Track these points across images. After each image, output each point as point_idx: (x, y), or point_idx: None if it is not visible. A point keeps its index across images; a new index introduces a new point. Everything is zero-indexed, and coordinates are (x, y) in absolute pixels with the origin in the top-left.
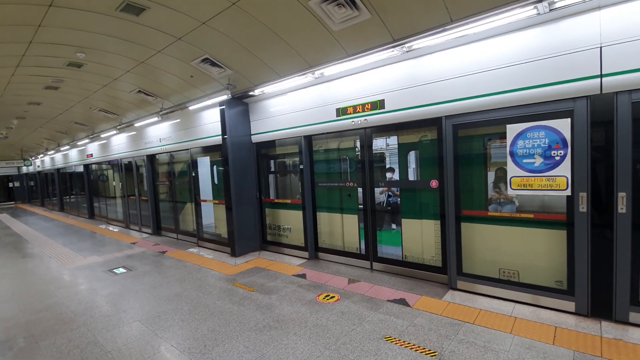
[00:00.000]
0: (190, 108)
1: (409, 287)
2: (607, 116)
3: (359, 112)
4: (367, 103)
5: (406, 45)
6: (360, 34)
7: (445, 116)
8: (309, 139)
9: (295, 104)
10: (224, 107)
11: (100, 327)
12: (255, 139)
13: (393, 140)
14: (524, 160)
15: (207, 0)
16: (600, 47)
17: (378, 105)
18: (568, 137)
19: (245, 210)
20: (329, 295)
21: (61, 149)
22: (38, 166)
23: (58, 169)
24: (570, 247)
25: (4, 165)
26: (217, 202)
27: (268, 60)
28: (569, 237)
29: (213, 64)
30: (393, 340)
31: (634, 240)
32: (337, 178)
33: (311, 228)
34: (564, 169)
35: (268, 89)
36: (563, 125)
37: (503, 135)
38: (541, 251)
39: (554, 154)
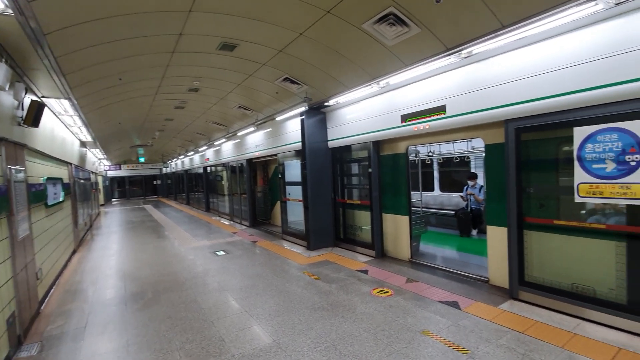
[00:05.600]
0: (277, 119)
1: (467, 292)
2: None
3: (421, 118)
4: (429, 109)
5: (464, 51)
6: (414, 46)
7: (507, 120)
8: (377, 144)
9: (365, 111)
10: (303, 117)
11: (200, 291)
12: (330, 144)
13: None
14: (594, 166)
15: (279, 34)
16: None
17: (439, 111)
18: None
19: (320, 210)
20: (383, 290)
21: (188, 154)
22: (173, 168)
23: (186, 170)
24: None
25: (151, 167)
26: (298, 200)
27: (336, 75)
28: None
29: (292, 81)
30: (430, 334)
31: None
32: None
33: (378, 229)
34: None
35: (341, 99)
36: (639, 127)
37: (570, 139)
38: (615, 266)
39: (629, 158)
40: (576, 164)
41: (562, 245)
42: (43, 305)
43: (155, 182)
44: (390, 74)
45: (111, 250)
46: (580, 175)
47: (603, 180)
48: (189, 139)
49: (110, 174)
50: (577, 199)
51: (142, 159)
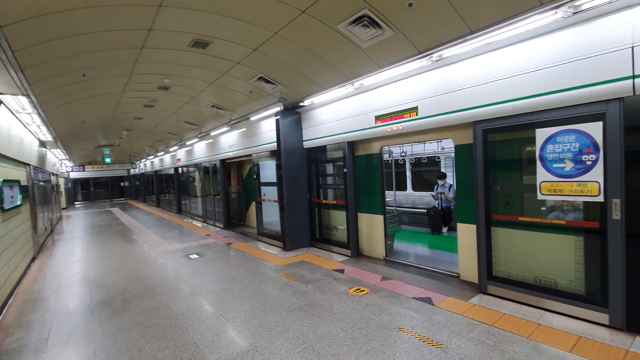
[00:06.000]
0: (252, 119)
1: (439, 288)
2: None
3: (395, 119)
4: (402, 110)
5: (434, 55)
6: (387, 48)
7: (475, 121)
8: (352, 144)
9: (340, 112)
10: (278, 117)
11: (172, 297)
12: (306, 144)
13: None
14: (554, 165)
15: (254, 32)
16: (632, 48)
17: (412, 112)
18: (600, 141)
19: (296, 210)
20: (359, 289)
21: (158, 154)
22: (142, 169)
23: (156, 171)
24: (603, 256)
25: (118, 168)
26: (273, 201)
27: (311, 76)
28: (602, 245)
29: (267, 81)
30: (405, 330)
31: None
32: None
33: (354, 228)
34: (596, 174)
35: (316, 99)
36: (594, 129)
37: (533, 140)
38: (574, 259)
39: (585, 158)
40: (538, 163)
41: (527, 240)
42: (0, 316)
43: (122, 184)
44: (365, 75)
45: (75, 256)
46: (542, 174)
47: (562, 179)
48: (159, 139)
49: (73, 175)
50: (540, 197)
51: (108, 160)
